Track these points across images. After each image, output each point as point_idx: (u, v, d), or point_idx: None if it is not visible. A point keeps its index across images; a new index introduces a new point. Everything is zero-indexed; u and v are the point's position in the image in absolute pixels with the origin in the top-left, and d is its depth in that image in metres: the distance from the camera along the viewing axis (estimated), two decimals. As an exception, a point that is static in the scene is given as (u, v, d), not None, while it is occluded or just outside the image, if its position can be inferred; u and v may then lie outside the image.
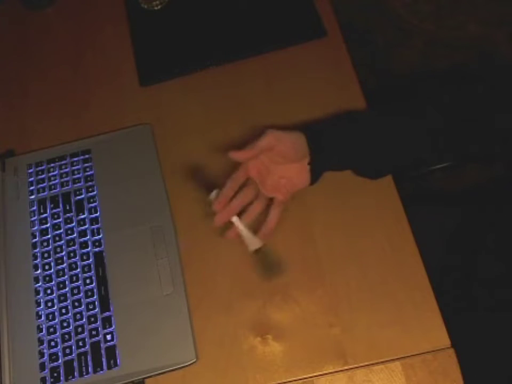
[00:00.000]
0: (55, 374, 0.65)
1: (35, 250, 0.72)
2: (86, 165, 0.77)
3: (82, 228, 0.73)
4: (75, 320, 0.67)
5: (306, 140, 0.65)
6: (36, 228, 0.73)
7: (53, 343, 0.66)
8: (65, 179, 0.76)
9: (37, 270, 0.71)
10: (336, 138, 0.66)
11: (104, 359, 0.65)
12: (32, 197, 0.76)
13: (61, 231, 0.73)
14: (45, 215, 0.74)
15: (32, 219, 0.74)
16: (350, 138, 0.66)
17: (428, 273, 0.66)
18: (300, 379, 0.63)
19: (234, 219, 0.65)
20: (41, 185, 0.76)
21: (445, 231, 0.82)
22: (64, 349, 0.66)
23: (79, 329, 0.67)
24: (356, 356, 0.63)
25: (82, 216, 0.73)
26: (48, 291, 0.69)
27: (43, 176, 0.77)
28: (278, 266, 0.67)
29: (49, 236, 0.73)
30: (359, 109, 0.76)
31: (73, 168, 0.77)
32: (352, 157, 0.67)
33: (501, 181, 0.93)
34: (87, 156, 0.78)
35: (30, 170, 0.78)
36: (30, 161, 0.78)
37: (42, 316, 0.68)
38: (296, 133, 0.66)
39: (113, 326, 0.67)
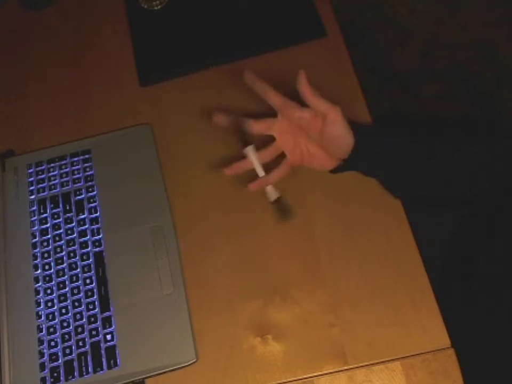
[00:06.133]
0: (55, 374, 0.65)
1: (35, 250, 0.72)
2: (86, 165, 0.77)
3: (82, 228, 0.73)
4: (75, 320, 0.67)
5: (353, 146, 0.65)
6: (35, 228, 0.73)
7: (53, 343, 0.66)
8: (65, 179, 0.76)
9: (37, 270, 0.71)
10: (386, 156, 0.66)
11: (104, 359, 0.65)
12: (32, 197, 0.76)
13: (61, 231, 0.73)
14: (45, 215, 0.74)
15: (32, 219, 0.74)
16: (400, 158, 0.66)
17: (428, 273, 0.66)
18: (300, 379, 0.63)
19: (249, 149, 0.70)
20: (41, 185, 0.76)
21: (445, 231, 0.82)
22: (64, 349, 0.66)
23: (79, 329, 0.67)
24: (356, 355, 0.63)
25: (82, 216, 0.73)
26: (48, 291, 0.69)
27: (43, 176, 0.77)
28: (291, 212, 0.70)
29: (49, 236, 0.73)
30: (358, 109, 0.76)
31: (73, 168, 0.77)
32: (392, 174, 0.68)
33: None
34: (87, 156, 0.78)
35: (30, 170, 0.78)
36: (30, 161, 0.78)
37: (42, 315, 0.68)
38: (349, 135, 0.65)
39: (113, 326, 0.67)
